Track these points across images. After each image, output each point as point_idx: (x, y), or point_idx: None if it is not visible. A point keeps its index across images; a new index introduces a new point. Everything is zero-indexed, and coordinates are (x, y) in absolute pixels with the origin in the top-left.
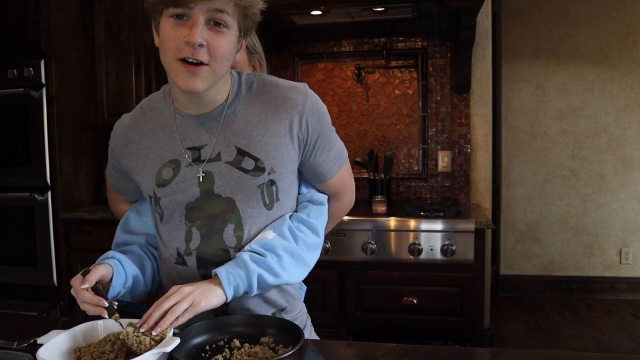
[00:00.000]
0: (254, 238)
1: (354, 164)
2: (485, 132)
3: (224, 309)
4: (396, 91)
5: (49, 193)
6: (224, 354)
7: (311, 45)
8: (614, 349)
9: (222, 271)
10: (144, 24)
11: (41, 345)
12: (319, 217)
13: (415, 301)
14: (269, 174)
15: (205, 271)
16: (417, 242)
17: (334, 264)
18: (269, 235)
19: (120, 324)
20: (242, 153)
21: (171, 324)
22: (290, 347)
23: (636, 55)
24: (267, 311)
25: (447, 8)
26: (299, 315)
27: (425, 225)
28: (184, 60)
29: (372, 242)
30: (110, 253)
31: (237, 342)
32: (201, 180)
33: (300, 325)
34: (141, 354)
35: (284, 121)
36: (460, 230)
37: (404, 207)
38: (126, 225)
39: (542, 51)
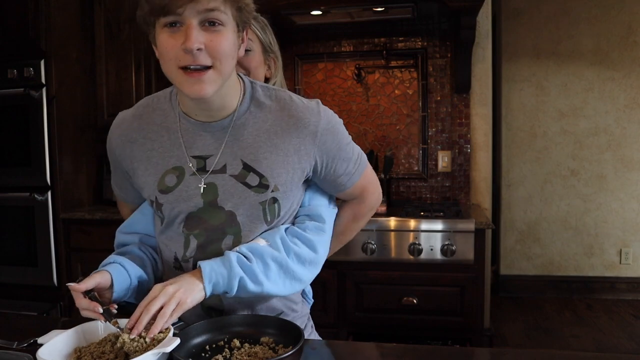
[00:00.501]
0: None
1: None
2: (485, 132)
3: (221, 309)
4: (396, 91)
5: (49, 193)
6: (224, 354)
7: (311, 45)
8: (614, 349)
9: (205, 266)
10: None
11: (41, 345)
12: (318, 234)
13: (415, 301)
14: (272, 191)
15: None
16: (417, 242)
17: (334, 264)
18: (261, 242)
19: (119, 328)
20: (247, 168)
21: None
22: (290, 347)
23: (636, 55)
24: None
25: (447, 8)
26: (299, 316)
27: (425, 225)
28: (186, 69)
29: (372, 242)
30: (112, 258)
31: (237, 342)
32: (202, 191)
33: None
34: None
35: (293, 141)
36: (460, 230)
37: (404, 207)
38: (128, 226)
39: (542, 51)
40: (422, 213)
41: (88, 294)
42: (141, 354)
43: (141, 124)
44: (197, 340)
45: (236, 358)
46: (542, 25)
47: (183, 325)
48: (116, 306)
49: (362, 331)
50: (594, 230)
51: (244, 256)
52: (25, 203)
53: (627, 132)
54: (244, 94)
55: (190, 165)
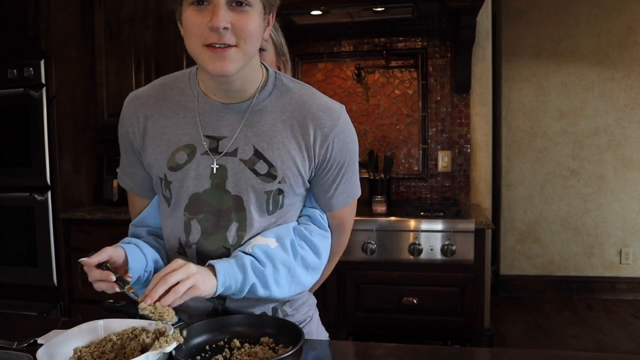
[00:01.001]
0: (252, 239)
1: None
2: (485, 132)
3: (223, 308)
4: (396, 91)
5: (49, 193)
6: (224, 354)
7: (311, 45)
8: (614, 349)
9: (220, 269)
10: (144, 24)
11: (41, 345)
12: (322, 240)
13: (415, 301)
14: (279, 182)
15: (204, 265)
16: (417, 242)
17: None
18: (272, 243)
19: (134, 294)
20: (258, 155)
21: (171, 303)
22: (290, 347)
23: (636, 55)
24: (268, 304)
25: (447, 8)
26: (304, 306)
27: (425, 225)
28: (210, 46)
29: (372, 242)
30: (127, 239)
31: (237, 342)
32: (214, 171)
33: (304, 317)
34: (165, 322)
35: (306, 137)
36: (460, 230)
37: (404, 207)
38: (141, 220)
39: (542, 51)
40: (422, 213)
41: (100, 267)
42: (164, 321)
43: (157, 101)
44: (197, 340)
45: (236, 358)
46: (542, 25)
47: (183, 325)
48: (131, 275)
49: (362, 331)
50: (594, 230)
51: (258, 261)
52: (25, 203)
53: (627, 132)
54: (265, 81)
55: (204, 143)
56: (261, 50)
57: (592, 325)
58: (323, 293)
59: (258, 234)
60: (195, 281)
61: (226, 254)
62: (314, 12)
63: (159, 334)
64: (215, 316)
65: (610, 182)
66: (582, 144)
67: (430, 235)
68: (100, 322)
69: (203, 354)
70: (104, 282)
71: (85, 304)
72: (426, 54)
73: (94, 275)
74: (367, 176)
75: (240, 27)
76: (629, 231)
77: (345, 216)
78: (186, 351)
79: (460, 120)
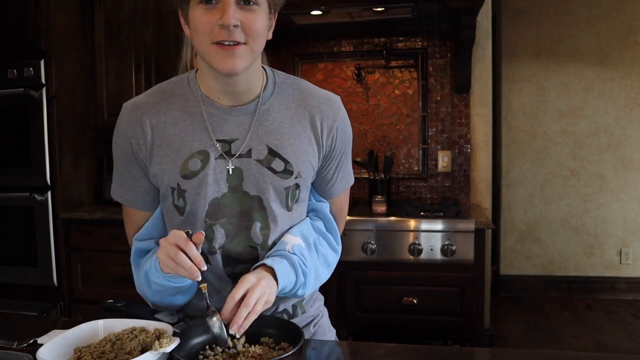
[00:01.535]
0: (279, 236)
1: (354, 163)
2: (485, 132)
3: None
4: (396, 91)
5: (49, 193)
6: (223, 354)
7: (311, 45)
8: (614, 349)
9: (279, 271)
10: (144, 24)
11: (41, 345)
12: (335, 234)
13: (415, 301)
14: (295, 177)
15: (232, 269)
16: (417, 242)
17: None
18: (301, 243)
19: (206, 295)
20: (273, 153)
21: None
22: (291, 347)
23: (636, 55)
24: (289, 302)
25: (447, 8)
26: (317, 301)
27: (425, 225)
28: (219, 43)
29: (372, 242)
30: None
31: (236, 342)
32: (230, 173)
33: (318, 312)
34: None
35: (316, 130)
36: (460, 230)
37: (404, 207)
38: (145, 233)
39: (542, 51)
40: (422, 213)
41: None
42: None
43: (160, 109)
44: (197, 340)
45: (236, 358)
46: (542, 25)
47: (183, 325)
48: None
49: (362, 331)
50: (594, 230)
51: (302, 261)
52: (25, 203)
53: (627, 132)
54: (267, 80)
55: (218, 147)
56: None
57: (592, 325)
58: (323, 293)
59: (284, 231)
60: (269, 296)
61: (253, 253)
62: (314, 12)
63: (159, 334)
64: None
65: (610, 182)
66: (582, 144)
67: (430, 235)
68: (100, 322)
69: (203, 354)
70: (188, 266)
71: (85, 304)
72: (426, 54)
73: (191, 250)
74: (367, 176)
75: (249, 25)
76: (629, 231)
77: (344, 201)
78: (186, 351)
79: (460, 120)
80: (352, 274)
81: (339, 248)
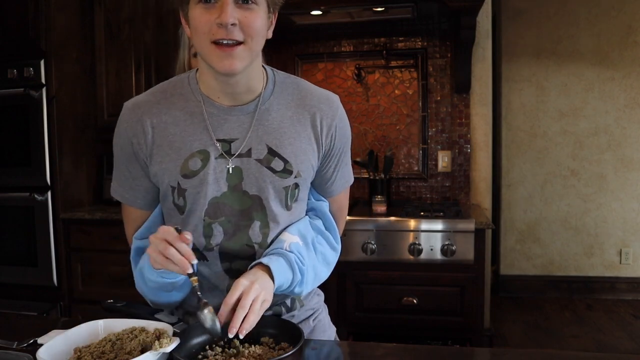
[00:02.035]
0: (277, 235)
1: (354, 163)
2: (485, 132)
3: None
4: (396, 91)
5: (49, 193)
6: (223, 354)
7: (311, 45)
8: (614, 349)
9: (275, 270)
10: (144, 24)
11: (41, 345)
12: (334, 233)
13: (415, 301)
14: (295, 177)
15: (229, 264)
16: (417, 242)
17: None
18: (295, 239)
19: (198, 291)
20: (272, 153)
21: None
22: (291, 347)
23: (636, 55)
24: (287, 297)
25: (447, 8)
26: (315, 296)
27: (425, 225)
28: (218, 43)
29: (372, 242)
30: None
31: (237, 342)
32: (230, 172)
33: (317, 306)
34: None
35: (315, 129)
36: (460, 230)
37: (404, 207)
38: (145, 232)
39: (542, 51)
40: (422, 213)
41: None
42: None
43: (160, 109)
44: (197, 340)
45: (236, 358)
46: (542, 25)
47: (183, 326)
48: (196, 261)
49: (362, 331)
50: (594, 230)
51: (299, 259)
52: (25, 203)
53: (627, 132)
54: (267, 79)
55: (218, 146)
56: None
57: (592, 325)
58: (323, 293)
59: (282, 229)
60: (266, 296)
61: (251, 251)
62: (314, 12)
63: (159, 334)
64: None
65: (610, 182)
66: (582, 144)
67: (430, 235)
68: (100, 322)
69: (203, 354)
70: (177, 260)
71: (85, 304)
72: (426, 54)
73: (181, 246)
74: (367, 176)
75: (248, 24)
76: (629, 231)
77: (344, 200)
78: (186, 351)
79: (460, 120)
80: (352, 274)
81: (339, 247)
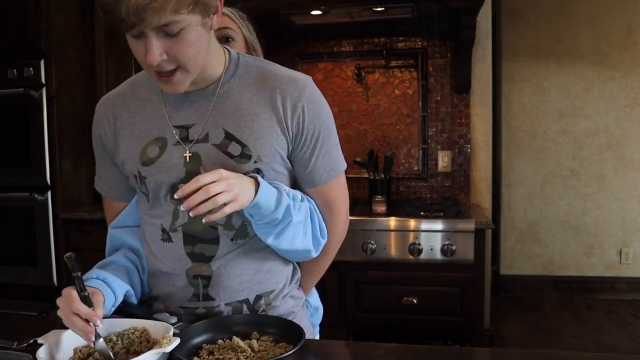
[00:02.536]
0: (242, 215)
1: (354, 163)
2: (485, 132)
3: (205, 293)
4: (396, 91)
5: (49, 193)
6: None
7: (311, 45)
8: (614, 349)
9: (261, 179)
10: None
11: (41, 345)
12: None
13: (415, 301)
14: (255, 162)
15: (192, 248)
16: (417, 242)
17: (334, 264)
18: (293, 201)
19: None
20: (229, 137)
21: (210, 215)
22: (291, 347)
23: (636, 55)
24: (252, 292)
25: (447, 8)
26: (288, 300)
27: (425, 225)
28: (157, 71)
29: (372, 242)
30: (93, 273)
31: (237, 339)
32: (187, 160)
33: (288, 312)
34: None
35: (276, 110)
36: (460, 230)
37: (404, 207)
38: (120, 221)
39: (542, 51)
40: (422, 213)
41: (84, 299)
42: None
43: (125, 100)
44: (197, 340)
45: (236, 358)
46: (542, 25)
47: (183, 326)
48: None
49: (362, 331)
50: (594, 230)
51: (291, 198)
52: (25, 203)
53: (627, 132)
54: (228, 62)
55: (174, 133)
56: (229, 39)
57: (592, 325)
58: (323, 293)
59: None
60: (236, 195)
61: (214, 233)
62: (314, 12)
63: (159, 334)
64: (197, 309)
65: (610, 182)
66: (582, 144)
67: (430, 235)
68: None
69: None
70: (79, 329)
71: None
72: (426, 54)
73: (79, 309)
74: (367, 176)
75: (175, 55)
76: (629, 231)
77: (331, 192)
78: (186, 351)
79: (460, 120)
80: (352, 274)
81: (323, 241)
